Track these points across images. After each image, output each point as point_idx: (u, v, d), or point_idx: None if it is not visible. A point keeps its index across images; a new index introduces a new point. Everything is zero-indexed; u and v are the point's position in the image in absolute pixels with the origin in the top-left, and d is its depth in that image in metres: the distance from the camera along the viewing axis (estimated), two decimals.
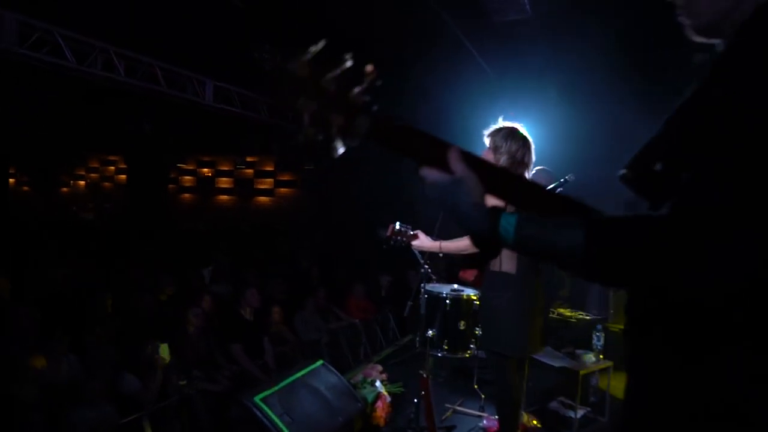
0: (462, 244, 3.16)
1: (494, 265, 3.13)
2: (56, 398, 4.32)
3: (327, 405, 3.20)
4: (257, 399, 2.88)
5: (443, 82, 6.95)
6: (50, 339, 4.68)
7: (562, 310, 7.65)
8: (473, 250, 3.08)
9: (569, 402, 4.12)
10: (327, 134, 1.04)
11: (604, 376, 4.17)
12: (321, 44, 1.04)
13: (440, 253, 3.16)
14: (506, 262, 3.10)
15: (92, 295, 6.04)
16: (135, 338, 5.24)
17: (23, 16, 4.36)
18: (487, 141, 3.40)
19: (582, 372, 3.91)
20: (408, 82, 7.83)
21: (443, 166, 1.07)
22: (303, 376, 3.28)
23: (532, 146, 3.35)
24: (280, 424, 2.81)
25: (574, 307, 7.45)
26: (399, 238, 3.13)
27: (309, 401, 3.14)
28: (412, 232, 3.14)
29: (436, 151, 1.08)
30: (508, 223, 1.02)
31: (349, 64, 1.03)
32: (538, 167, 3.42)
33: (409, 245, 3.14)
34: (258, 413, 2.81)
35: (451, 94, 6.97)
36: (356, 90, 1.03)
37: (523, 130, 3.37)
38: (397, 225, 3.13)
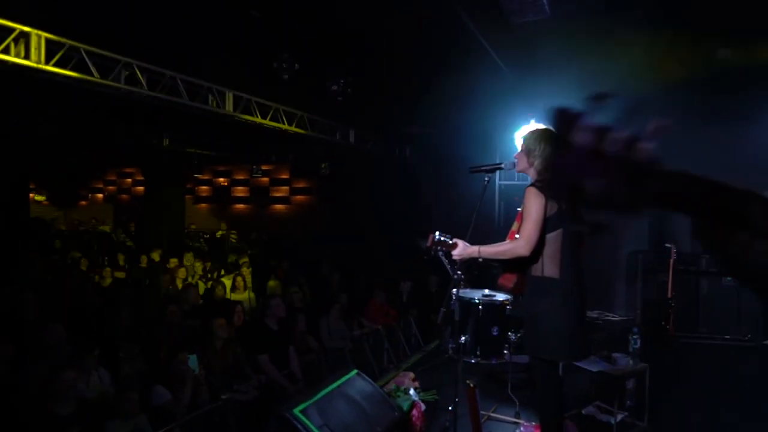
0: (501, 248, 3.11)
1: (536, 270, 3.09)
2: (89, 412, 4.34)
3: (364, 415, 3.16)
4: (296, 411, 2.85)
5: (462, 83, 6.91)
6: (80, 354, 4.70)
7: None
8: (513, 254, 3.05)
9: (606, 407, 4.05)
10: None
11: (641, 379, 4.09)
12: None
13: (480, 258, 3.12)
14: (549, 266, 3.05)
15: (119, 309, 6.08)
16: (164, 350, 5.26)
17: (49, 35, 4.41)
18: (519, 143, 3.37)
19: (618, 375, 3.84)
20: (428, 84, 7.81)
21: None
22: (339, 386, 3.25)
23: None
24: None
25: (603, 309, 7.35)
26: (439, 248, 3.10)
27: (347, 411, 3.11)
28: (451, 241, 3.10)
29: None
30: None
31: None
32: None
33: (449, 254, 3.10)
34: (299, 425, 2.78)
35: (471, 96, 6.92)
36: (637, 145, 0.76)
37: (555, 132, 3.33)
38: (437, 234, 3.10)
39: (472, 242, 3.40)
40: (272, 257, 10.93)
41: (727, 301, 6.88)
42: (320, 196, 15.21)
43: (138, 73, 5.16)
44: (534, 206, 3.04)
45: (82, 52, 4.59)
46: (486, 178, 3.44)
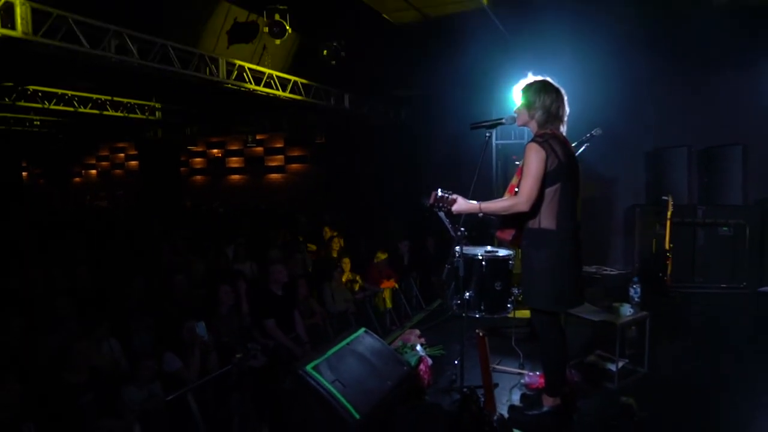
0: (502, 204, 3.14)
1: (534, 223, 3.13)
2: (102, 380, 4.43)
3: (375, 370, 3.24)
4: (309, 368, 2.93)
5: (459, 43, 6.83)
6: (90, 325, 4.77)
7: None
8: (513, 211, 3.08)
9: (607, 355, 4.15)
10: None
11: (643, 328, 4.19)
12: None
13: (480, 213, 3.15)
14: (546, 218, 3.09)
15: (127, 280, 6.13)
16: (172, 319, 5.33)
17: (36, 4, 4.31)
18: (517, 98, 3.35)
19: (619, 323, 3.92)
20: (421, 45, 7.71)
21: None
22: (348, 344, 3.32)
23: (566, 98, 3.30)
24: (334, 390, 2.86)
25: (596, 263, 7.47)
26: (441, 204, 3.12)
27: (357, 367, 3.18)
28: (451, 197, 3.12)
29: None
30: None
31: None
32: None
33: (450, 210, 3.13)
34: (312, 381, 2.85)
35: (467, 55, 6.85)
36: None
37: (554, 82, 3.32)
38: (440, 191, 3.12)
39: (475, 197, 3.43)
40: (271, 226, 10.96)
41: (723, 250, 6.98)
42: (316, 164, 15.17)
43: (129, 41, 5.06)
44: (534, 162, 3.05)
45: (70, 21, 4.50)
46: (487, 134, 3.44)
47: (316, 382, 2.87)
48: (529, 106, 3.23)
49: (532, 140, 3.16)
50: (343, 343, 3.35)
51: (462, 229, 3.48)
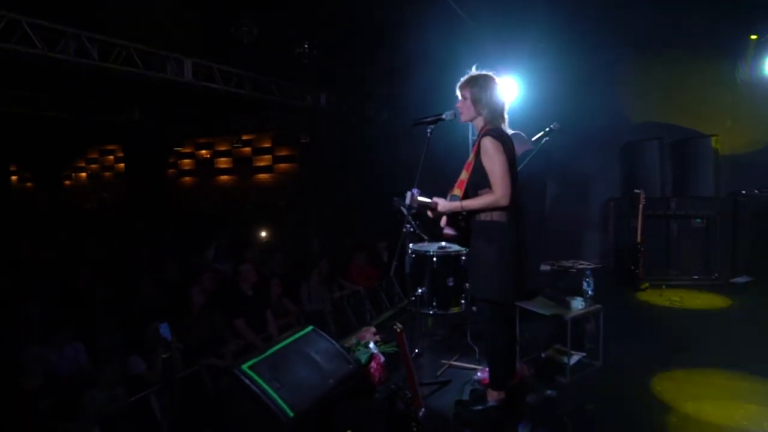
0: (484, 201, 3.11)
1: (486, 216, 3.13)
2: (63, 385, 4.44)
3: (318, 369, 3.24)
4: (245, 367, 2.93)
5: (425, 38, 6.81)
6: (51, 329, 4.77)
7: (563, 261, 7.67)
8: (497, 205, 3.10)
9: (563, 348, 4.15)
10: None
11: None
12: None
13: (463, 211, 3.18)
14: (497, 210, 3.09)
15: (96, 283, 6.14)
16: (139, 321, 5.33)
17: None
18: (460, 93, 3.33)
19: (569, 317, 3.92)
20: (391, 41, 7.69)
21: None
22: (292, 342, 3.32)
23: (507, 96, 3.30)
24: (269, 390, 2.86)
25: (573, 257, 7.45)
26: (424, 209, 3.21)
27: (299, 366, 3.18)
28: (433, 201, 3.21)
29: None
30: None
31: None
32: (513, 131, 3.38)
33: (431, 212, 3.20)
34: (246, 380, 2.86)
35: (424, 43, 6.82)
36: None
37: (498, 77, 3.31)
38: (416, 193, 3.18)
39: (422, 193, 3.43)
40: (256, 226, 10.96)
41: (696, 242, 6.98)
42: (303, 163, 15.15)
43: (87, 43, 5.06)
44: (497, 156, 3.06)
45: (24, 24, 4.50)
46: (428, 130, 3.43)
47: (251, 380, 2.87)
48: (475, 102, 3.22)
49: (487, 134, 3.14)
50: (287, 341, 3.35)
51: (408, 225, 3.49)
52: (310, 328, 3.59)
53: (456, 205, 3.19)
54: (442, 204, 3.23)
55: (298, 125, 13.76)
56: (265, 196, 15.50)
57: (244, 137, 15.85)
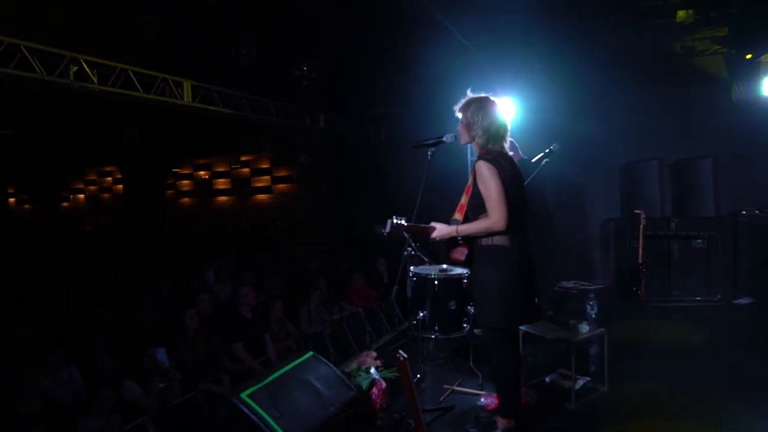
0: (480, 226, 3.07)
1: (487, 240, 3.09)
2: (59, 410, 4.35)
3: (318, 396, 3.17)
4: (243, 395, 2.86)
5: (423, 60, 6.86)
6: (46, 353, 4.69)
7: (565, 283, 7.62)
8: (492, 231, 3.07)
9: (568, 373, 4.08)
10: None
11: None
12: None
13: (459, 237, 3.14)
14: (499, 235, 3.05)
15: (92, 307, 6.06)
16: (135, 345, 5.25)
17: None
18: (459, 116, 3.33)
19: (575, 341, 3.86)
20: (392, 64, 7.74)
21: None
22: (291, 369, 3.26)
23: (507, 117, 3.28)
24: (269, 419, 2.79)
25: (573, 278, 7.40)
26: (412, 233, 3.18)
27: (299, 393, 3.11)
28: (430, 226, 3.17)
29: None
30: None
31: None
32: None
33: (426, 237, 3.16)
34: (245, 409, 2.79)
35: (432, 72, 6.88)
36: None
37: (494, 99, 3.30)
38: (395, 219, 3.12)
39: (419, 217, 3.40)
40: (255, 247, 10.91)
41: (697, 263, 6.93)
42: (302, 184, 15.15)
43: (86, 67, 5.06)
44: (491, 180, 3.02)
45: (23, 48, 4.50)
46: (429, 153, 3.42)
47: (250, 409, 2.80)
48: (469, 126, 3.21)
49: (481, 159, 3.12)
50: (287, 367, 3.29)
51: (409, 248, 3.45)
52: (310, 353, 3.53)
53: (451, 230, 3.15)
54: (440, 229, 3.19)
55: (296, 146, 13.81)
56: (263, 217, 15.46)
57: (243, 158, 15.87)
